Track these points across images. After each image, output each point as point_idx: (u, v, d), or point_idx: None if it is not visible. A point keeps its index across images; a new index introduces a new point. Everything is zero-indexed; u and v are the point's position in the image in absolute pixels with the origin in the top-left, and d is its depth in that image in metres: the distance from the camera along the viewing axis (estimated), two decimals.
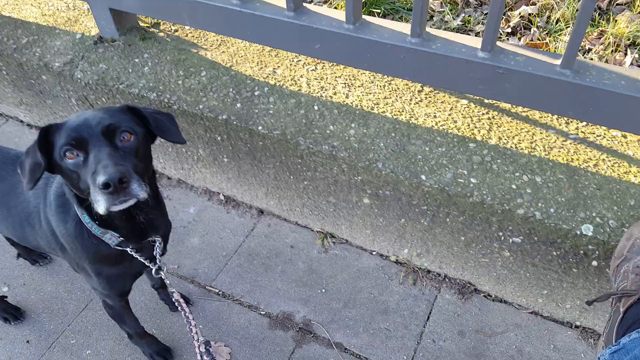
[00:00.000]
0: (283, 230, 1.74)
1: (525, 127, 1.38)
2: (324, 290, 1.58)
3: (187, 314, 1.15)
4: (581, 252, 1.23)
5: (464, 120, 1.41)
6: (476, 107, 1.45)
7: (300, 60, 1.64)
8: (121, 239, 1.05)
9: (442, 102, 1.47)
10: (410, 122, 1.43)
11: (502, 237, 1.32)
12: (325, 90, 1.53)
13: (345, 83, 1.55)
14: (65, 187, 1.04)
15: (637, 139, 1.33)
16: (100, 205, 0.87)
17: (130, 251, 1.09)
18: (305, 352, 1.45)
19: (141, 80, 1.65)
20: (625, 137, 1.34)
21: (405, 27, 1.29)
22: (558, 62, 1.18)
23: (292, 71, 1.60)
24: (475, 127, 1.40)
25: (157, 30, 1.83)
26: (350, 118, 1.45)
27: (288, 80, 1.56)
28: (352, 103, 1.48)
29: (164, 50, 1.73)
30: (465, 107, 1.45)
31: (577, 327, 1.44)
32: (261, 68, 1.61)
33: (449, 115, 1.43)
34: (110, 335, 1.52)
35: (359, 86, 1.53)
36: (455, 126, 1.40)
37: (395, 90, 1.52)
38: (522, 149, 1.33)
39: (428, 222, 1.42)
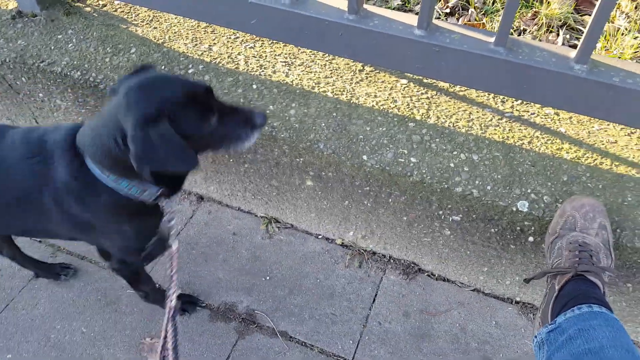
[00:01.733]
0: (225, 216, 1.71)
1: (463, 106, 1.42)
2: (268, 278, 1.57)
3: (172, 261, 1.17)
4: (518, 228, 1.29)
5: (404, 100, 1.44)
6: (415, 86, 1.47)
7: (238, 37, 1.60)
8: (159, 192, 1.06)
9: (383, 82, 1.49)
10: (351, 102, 1.44)
11: (443, 216, 1.36)
12: (265, 68, 1.51)
13: (285, 61, 1.53)
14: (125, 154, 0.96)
15: (569, 116, 1.40)
16: (250, 141, 1.04)
17: (161, 204, 1.10)
18: (249, 343, 1.44)
19: (64, 58, 1.56)
20: (557, 114, 1.41)
21: (342, 3, 1.29)
22: (492, 39, 1.22)
23: (230, 48, 1.56)
24: (415, 107, 1.42)
25: (83, 5, 1.74)
26: (291, 97, 1.44)
27: (225, 58, 1.53)
28: (292, 82, 1.47)
29: (90, 26, 1.64)
30: (404, 87, 1.47)
31: (517, 302, 1.52)
32: (196, 45, 1.57)
33: (389, 94, 1.45)
34: (34, 336, 1.44)
35: (299, 65, 1.52)
36: (395, 106, 1.42)
37: (336, 70, 1.52)
38: (459, 127, 1.37)
39: (371, 203, 1.44)
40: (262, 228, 1.68)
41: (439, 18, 1.83)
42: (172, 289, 1.14)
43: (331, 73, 1.51)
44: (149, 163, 0.90)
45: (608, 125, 1.39)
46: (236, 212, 1.72)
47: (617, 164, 1.30)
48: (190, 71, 1.49)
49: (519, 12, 1.81)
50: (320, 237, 1.66)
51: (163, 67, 1.51)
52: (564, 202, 1.21)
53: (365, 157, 1.34)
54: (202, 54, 1.54)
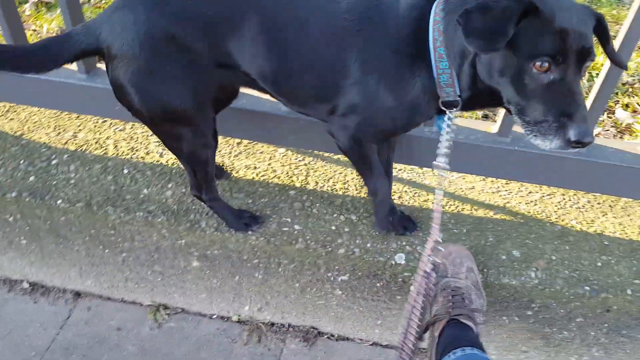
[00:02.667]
0: (106, 311, 1.59)
1: (339, 169, 1.52)
2: None
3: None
4: (400, 279, 1.38)
5: (283, 169, 1.50)
6: (293, 154, 1.55)
7: (106, 121, 1.57)
8: (458, 98, 1.01)
9: (261, 153, 1.54)
10: (232, 176, 1.46)
11: (332, 278, 1.41)
12: (137, 150, 1.48)
13: (158, 141, 1.52)
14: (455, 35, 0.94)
15: (431, 169, 1.57)
16: (542, 144, 0.86)
17: (447, 119, 1.04)
18: None
19: None
20: (422, 168, 1.56)
21: None
22: None
23: (97, 134, 1.52)
24: (294, 174, 1.49)
25: None
26: (167, 178, 1.43)
27: (92, 145, 1.48)
28: (167, 162, 1.47)
29: None
30: (283, 156, 1.54)
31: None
32: (59, 133, 1.50)
33: (269, 165, 1.51)
34: None
35: None
36: (275, 175, 1.48)
37: None
38: (337, 190, 1.46)
39: (262, 274, 1.45)
40: (150, 317, 1.59)
41: None
42: (430, 241, 1.07)
43: None
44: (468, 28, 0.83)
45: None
46: (119, 304, 1.61)
47: (476, 208, 1.46)
48: (53, 162, 1.42)
49: None
50: (214, 317, 1.61)
51: (22, 161, 1.41)
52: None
53: (249, 232, 1.35)
54: (66, 142, 1.48)
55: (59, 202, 1.34)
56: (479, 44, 0.83)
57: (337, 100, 1.07)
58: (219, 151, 1.53)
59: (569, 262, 1.35)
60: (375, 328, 1.54)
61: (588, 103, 1.24)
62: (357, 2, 1.00)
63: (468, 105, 1.04)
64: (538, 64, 0.82)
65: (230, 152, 1.53)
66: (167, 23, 0.98)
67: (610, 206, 1.50)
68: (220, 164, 1.47)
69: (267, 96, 1.36)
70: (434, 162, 1.09)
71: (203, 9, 1.00)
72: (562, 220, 1.43)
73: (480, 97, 1.00)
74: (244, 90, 1.36)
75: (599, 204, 1.50)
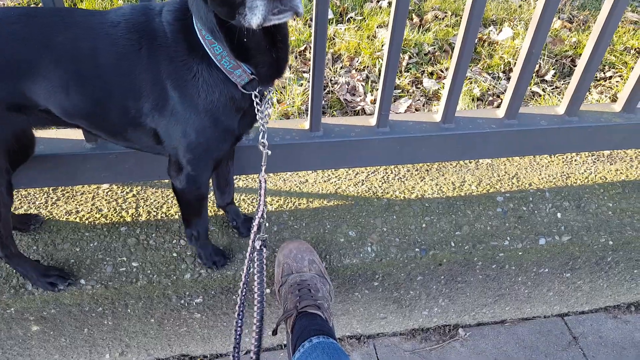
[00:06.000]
0: None
1: (170, 193, 1.54)
2: None
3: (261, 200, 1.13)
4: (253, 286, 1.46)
5: (109, 206, 1.48)
6: (119, 187, 1.54)
7: None
8: (252, 76, 1.03)
9: (82, 194, 1.51)
10: (52, 227, 1.41)
11: (186, 304, 1.45)
12: None
13: None
14: (204, 8, 0.96)
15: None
16: (257, 12, 0.82)
17: (254, 97, 1.06)
18: None
19: None
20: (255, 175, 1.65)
21: None
22: None
23: None
24: (123, 209, 1.48)
25: None
26: None
27: None
28: None
29: None
30: (108, 192, 1.52)
31: (285, 346, 1.71)
32: None
33: (93, 205, 1.48)
34: None
35: None
36: (102, 215, 1.46)
37: (26, 197, 1.47)
38: (172, 215, 1.49)
39: (112, 320, 1.43)
40: None
41: None
42: (255, 220, 1.12)
43: (20, 203, 1.46)
44: None
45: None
46: None
47: (311, 200, 1.59)
48: None
49: None
50: None
51: None
52: (278, 253, 1.43)
53: (83, 281, 1.33)
54: None
55: None
56: None
57: (151, 125, 1.08)
58: (34, 202, 1.46)
59: (398, 230, 1.54)
60: (244, 337, 1.62)
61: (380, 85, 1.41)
62: (131, 20, 1.02)
63: (263, 73, 1.04)
64: None
65: (46, 201, 1.47)
66: None
67: (427, 170, 1.73)
68: (26, 213, 1.41)
69: (68, 136, 1.35)
70: (260, 141, 1.13)
71: None
72: (387, 193, 1.63)
73: (262, 52, 1.01)
74: (41, 134, 1.33)
75: (417, 170, 1.72)
